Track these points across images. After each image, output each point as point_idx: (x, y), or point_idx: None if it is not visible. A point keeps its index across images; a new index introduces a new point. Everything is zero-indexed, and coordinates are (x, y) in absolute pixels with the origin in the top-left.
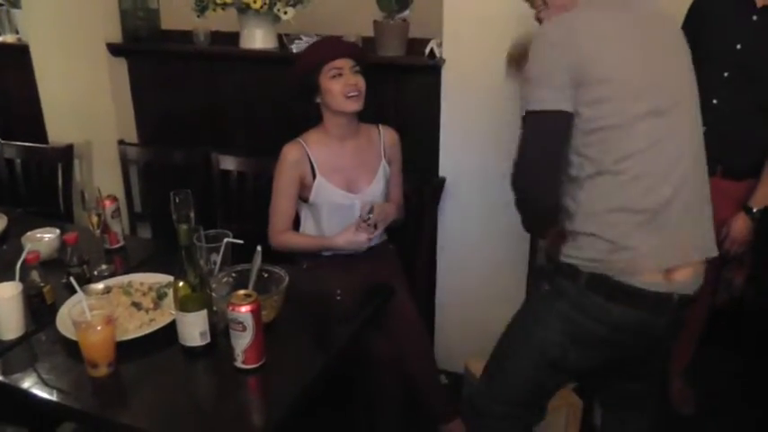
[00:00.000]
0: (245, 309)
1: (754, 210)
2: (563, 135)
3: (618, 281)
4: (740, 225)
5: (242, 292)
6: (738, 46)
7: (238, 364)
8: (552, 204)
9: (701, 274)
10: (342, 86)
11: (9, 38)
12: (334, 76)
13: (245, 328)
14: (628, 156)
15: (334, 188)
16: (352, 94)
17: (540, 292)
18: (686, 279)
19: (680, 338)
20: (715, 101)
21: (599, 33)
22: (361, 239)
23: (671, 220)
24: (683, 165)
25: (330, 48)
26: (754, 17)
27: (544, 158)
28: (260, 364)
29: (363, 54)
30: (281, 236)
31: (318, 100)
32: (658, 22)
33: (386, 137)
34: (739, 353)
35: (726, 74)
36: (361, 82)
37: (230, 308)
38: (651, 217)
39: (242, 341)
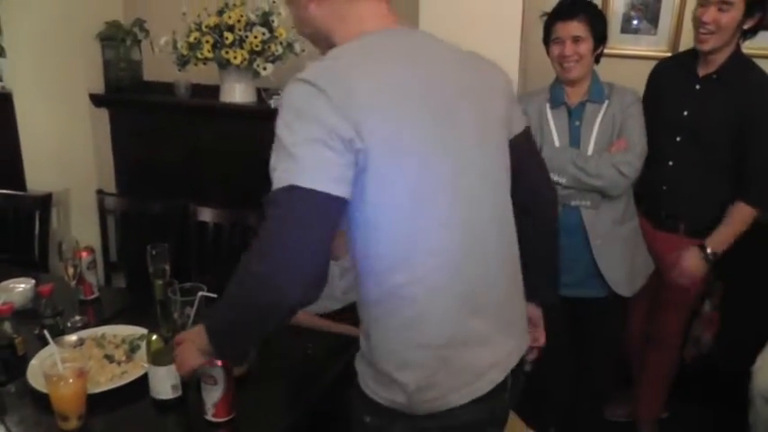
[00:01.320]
0: (217, 362)
1: (708, 250)
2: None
3: None
4: (691, 258)
5: None
6: (685, 113)
7: (209, 417)
8: None
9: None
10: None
11: None
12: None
13: (216, 382)
14: None
15: None
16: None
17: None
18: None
19: (647, 385)
20: (671, 162)
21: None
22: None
23: None
24: None
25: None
26: (697, 86)
27: None
28: (229, 417)
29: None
30: None
31: None
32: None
33: None
34: (711, 409)
35: (678, 138)
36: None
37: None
38: None
39: (213, 394)
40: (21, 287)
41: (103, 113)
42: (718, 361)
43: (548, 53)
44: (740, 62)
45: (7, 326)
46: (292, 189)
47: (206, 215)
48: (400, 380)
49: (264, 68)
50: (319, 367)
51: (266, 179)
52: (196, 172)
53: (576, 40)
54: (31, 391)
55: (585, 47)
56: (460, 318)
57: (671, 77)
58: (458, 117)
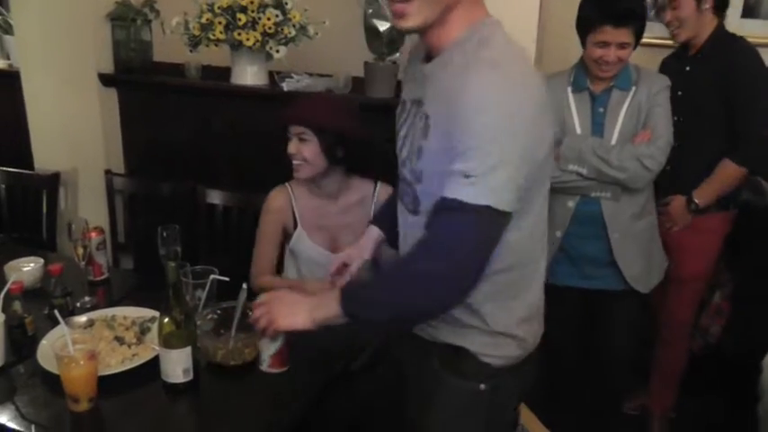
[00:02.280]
0: None
1: (695, 200)
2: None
3: None
4: (677, 204)
5: None
6: (679, 92)
7: (264, 368)
8: None
9: None
10: (288, 150)
11: (0, 63)
12: (288, 140)
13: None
14: None
15: (313, 244)
16: (294, 161)
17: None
18: None
19: (656, 380)
20: (675, 143)
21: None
22: None
23: None
24: None
25: (289, 112)
26: (687, 67)
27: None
28: (284, 369)
29: (317, 121)
30: (261, 279)
31: None
32: None
33: (380, 196)
34: (720, 399)
35: (676, 118)
36: (305, 151)
37: None
38: None
39: (272, 346)
40: (30, 266)
41: (112, 93)
42: (726, 352)
43: (582, 44)
44: (722, 37)
45: (17, 305)
46: (489, 210)
47: (215, 197)
48: (520, 335)
49: (277, 51)
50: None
51: (276, 162)
52: (206, 154)
53: (622, 46)
54: (41, 372)
55: (628, 51)
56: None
57: (670, 67)
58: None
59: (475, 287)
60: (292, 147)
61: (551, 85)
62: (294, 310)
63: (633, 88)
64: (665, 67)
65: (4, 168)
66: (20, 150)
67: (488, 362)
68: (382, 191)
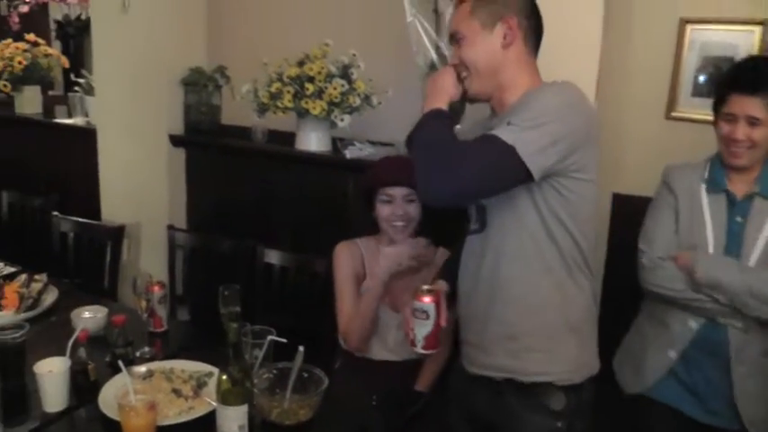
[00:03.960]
0: (427, 299)
1: None
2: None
3: None
4: None
5: (425, 286)
6: None
7: (418, 349)
8: None
9: None
10: (388, 214)
11: (79, 120)
12: (385, 202)
13: (427, 317)
14: None
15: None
16: (396, 223)
17: None
18: None
19: None
20: None
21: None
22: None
23: None
24: None
25: (387, 172)
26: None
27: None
28: (437, 350)
29: None
30: (348, 326)
31: (374, 215)
32: None
33: (439, 260)
34: None
35: None
36: (412, 212)
37: (416, 298)
38: None
39: (424, 329)
40: (95, 315)
41: (181, 153)
42: None
43: (714, 123)
44: None
45: (82, 351)
46: (512, 151)
47: (273, 257)
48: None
49: (342, 119)
50: (379, 421)
51: (337, 228)
52: (266, 215)
53: (753, 122)
54: (101, 417)
55: (762, 133)
56: None
57: None
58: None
59: (460, 203)
60: (398, 208)
61: (681, 176)
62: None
63: None
64: None
65: (74, 218)
66: (90, 202)
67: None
68: (441, 255)
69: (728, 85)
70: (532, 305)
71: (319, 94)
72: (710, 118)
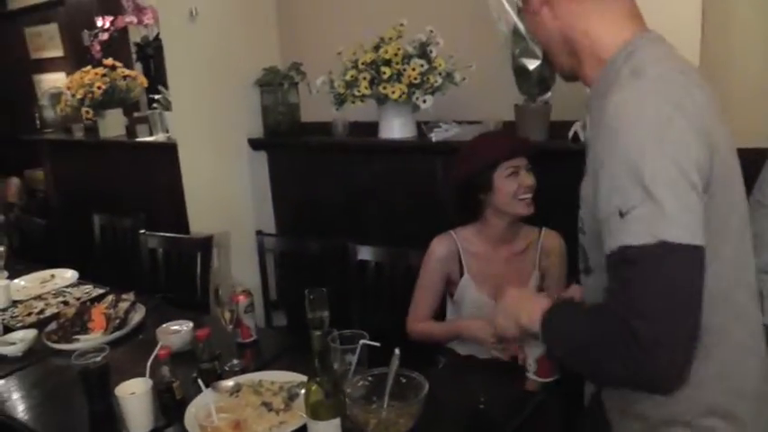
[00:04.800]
0: None
1: None
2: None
3: None
4: None
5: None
6: None
7: (530, 374)
8: None
9: None
10: (516, 187)
11: (160, 137)
12: (510, 175)
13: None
14: None
15: (479, 294)
16: (524, 196)
17: None
18: None
19: None
20: None
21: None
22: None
23: None
24: None
25: (508, 144)
26: None
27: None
28: (553, 379)
29: (534, 148)
30: (417, 325)
31: (483, 197)
32: None
33: (544, 242)
34: None
35: None
36: (534, 183)
37: None
38: None
39: (536, 350)
40: (180, 329)
41: (262, 156)
42: None
43: None
44: None
45: (165, 370)
46: (665, 246)
47: (366, 253)
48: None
49: (424, 101)
50: (492, 425)
51: (429, 215)
52: (355, 210)
53: None
54: None
55: None
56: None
57: None
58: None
59: (684, 353)
60: (525, 179)
61: None
62: (509, 317)
63: None
64: None
65: (162, 233)
66: (178, 216)
67: None
68: (547, 237)
69: None
70: None
71: (398, 77)
72: None
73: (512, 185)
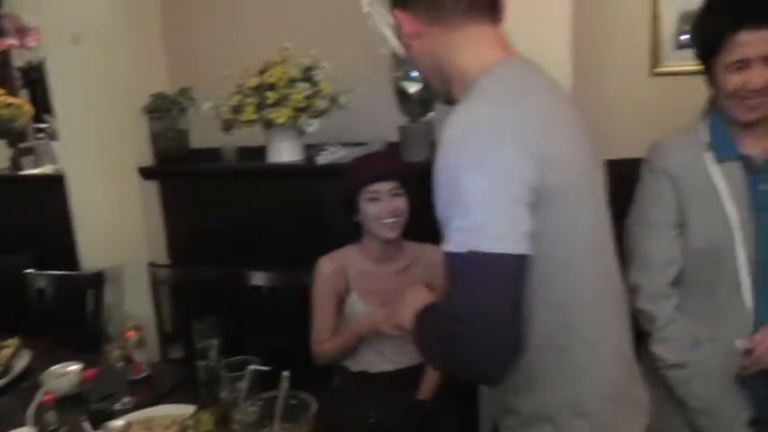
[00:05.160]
0: None
1: None
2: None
3: None
4: None
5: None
6: None
7: None
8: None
9: None
10: (378, 211)
11: (48, 168)
12: (371, 200)
13: None
14: None
15: (366, 308)
16: (387, 220)
17: None
18: None
19: None
20: None
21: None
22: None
23: None
24: None
25: (370, 169)
26: None
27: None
28: None
29: (408, 172)
30: (322, 346)
31: (356, 219)
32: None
33: (428, 258)
34: None
35: None
36: (401, 206)
37: None
38: None
39: None
40: (65, 373)
41: (153, 186)
42: None
43: (709, 78)
44: None
45: (50, 415)
46: (477, 255)
47: (259, 279)
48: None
49: (310, 125)
50: None
51: (320, 238)
52: (248, 236)
53: None
54: None
55: None
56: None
57: None
58: (594, 163)
59: (500, 353)
60: (386, 204)
61: (678, 149)
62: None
63: None
64: None
65: (50, 272)
66: (69, 252)
67: None
68: (432, 252)
69: (731, 23)
70: None
71: (283, 101)
72: (697, 68)
73: (373, 210)
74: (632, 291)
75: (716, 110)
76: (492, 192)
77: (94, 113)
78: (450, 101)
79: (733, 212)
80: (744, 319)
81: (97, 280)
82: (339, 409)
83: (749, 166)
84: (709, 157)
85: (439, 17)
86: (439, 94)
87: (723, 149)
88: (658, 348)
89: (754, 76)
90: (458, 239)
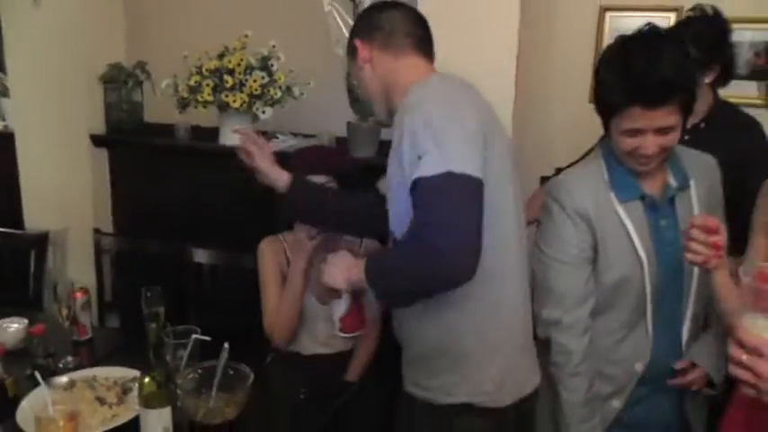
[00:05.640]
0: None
1: None
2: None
3: None
4: None
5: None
6: None
7: (337, 331)
8: None
9: None
10: None
11: None
12: None
13: (340, 295)
14: None
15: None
16: None
17: None
18: None
19: None
20: None
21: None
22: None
23: None
24: None
25: (303, 160)
26: (686, 137)
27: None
28: (359, 333)
29: (343, 168)
30: (274, 321)
31: None
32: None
33: (366, 251)
34: None
35: None
36: None
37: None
38: None
39: (339, 308)
40: (13, 327)
41: (103, 154)
42: None
43: (605, 127)
44: (724, 107)
45: None
46: (451, 176)
47: (202, 257)
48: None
49: (263, 112)
50: (312, 412)
51: (265, 223)
52: (194, 214)
53: (665, 131)
54: None
55: (674, 136)
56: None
57: None
58: (508, 150)
59: (466, 254)
60: None
61: (585, 191)
62: (339, 271)
63: (691, 181)
64: None
65: None
66: (11, 211)
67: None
68: (367, 246)
69: (628, 94)
70: None
71: (240, 86)
72: None
73: None
74: (548, 324)
75: (610, 151)
76: (459, 130)
77: (49, 76)
78: (386, 122)
79: (641, 247)
80: (645, 344)
81: (41, 241)
82: (273, 385)
83: (650, 204)
84: (612, 197)
85: (391, 49)
86: (376, 112)
87: (625, 191)
88: (569, 381)
89: (647, 142)
90: (430, 165)
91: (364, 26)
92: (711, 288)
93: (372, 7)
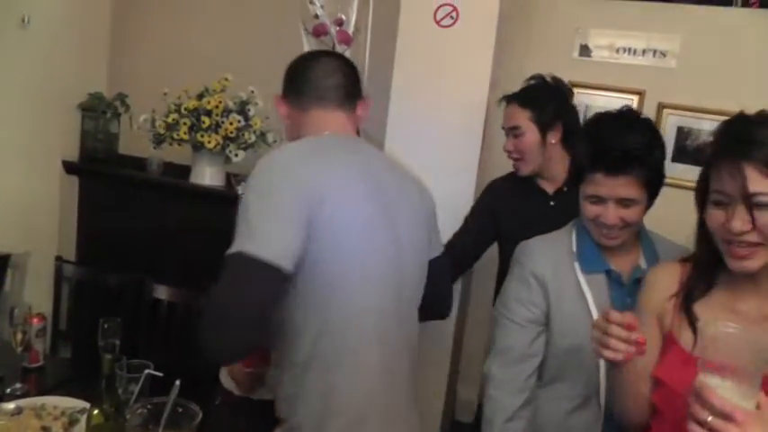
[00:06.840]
0: None
1: None
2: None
3: None
4: None
5: None
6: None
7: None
8: None
9: None
10: None
11: None
12: None
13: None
14: None
15: None
16: None
17: None
18: None
19: None
20: None
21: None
22: None
23: None
24: None
25: None
26: (552, 202)
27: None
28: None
29: None
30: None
31: None
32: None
33: None
34: None
35: None
36: None
37: None
38: None
39: None
40: None
41: (74, 181)
42: None
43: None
44: None
45: None
46: (240, 257)
47: (161, 292)
48: None
49: (236, 155)
50: None
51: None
52: (158, 249)
53: (626, 204)
54: None
55: (637, 212)
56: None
57: (530, 204)
58: (397, 210)
59: (232, 339)
60: None
61: (547, 256)
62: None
63: None
64: (523, 207)
65: None
66: None
67: None
68: None
69: (589, 163)
70: None
71: (216, 128)
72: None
73: None
74: (485, 376)
75: (582, 224)
76: (269, 215)
77: (28, 97)
78: None
79: (597, 316)
80: (596, 421)
81: (1, 263)
82: (221, 426)
83: (616, 281)
84: (576, 266)
85: (299, 103)
86: None
87: (590, 263)
88: (503, 427)
89: (608, 212)
90: (235, 244)
91: (284, 81)
92: (622, 380)
93: (294, 60)
